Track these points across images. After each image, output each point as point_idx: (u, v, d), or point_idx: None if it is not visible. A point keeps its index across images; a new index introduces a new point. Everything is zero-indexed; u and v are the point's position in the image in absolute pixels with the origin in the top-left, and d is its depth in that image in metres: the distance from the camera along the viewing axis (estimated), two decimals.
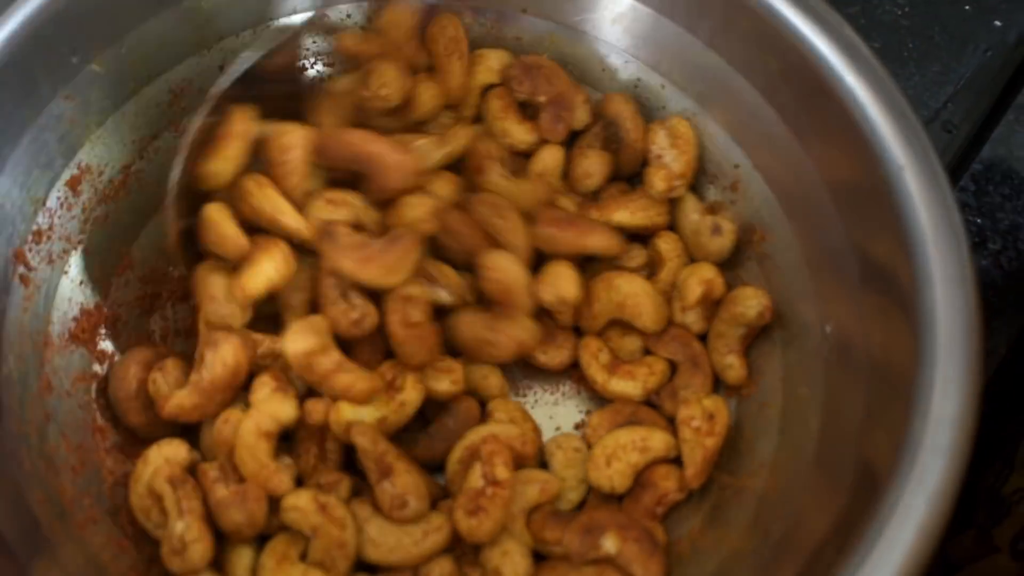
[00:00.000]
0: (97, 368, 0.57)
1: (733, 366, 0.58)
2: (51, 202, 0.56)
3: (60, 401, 0.55)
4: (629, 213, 0.61)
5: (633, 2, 0.61)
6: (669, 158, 0.61)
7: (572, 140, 0.64)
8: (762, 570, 0.50)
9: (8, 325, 0.53)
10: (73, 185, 0.57)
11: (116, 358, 0.58)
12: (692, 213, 0.61)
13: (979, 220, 0.68)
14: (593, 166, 0.62)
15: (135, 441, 0.56)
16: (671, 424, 0.58)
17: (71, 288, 0.58)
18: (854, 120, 0.52)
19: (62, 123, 0.56)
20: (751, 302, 0.57)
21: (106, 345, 0.58)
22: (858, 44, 0.53)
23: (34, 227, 0.56)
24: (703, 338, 0.60)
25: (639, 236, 0.62)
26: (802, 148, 0.56)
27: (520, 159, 0.64)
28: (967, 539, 0.65)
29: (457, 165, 0.61)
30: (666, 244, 0.61)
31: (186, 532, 0.50)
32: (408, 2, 0.62)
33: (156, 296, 0.61)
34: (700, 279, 0.58)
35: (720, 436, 0.56)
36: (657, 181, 0.60)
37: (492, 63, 0.64)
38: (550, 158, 0.63)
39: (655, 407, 0.59)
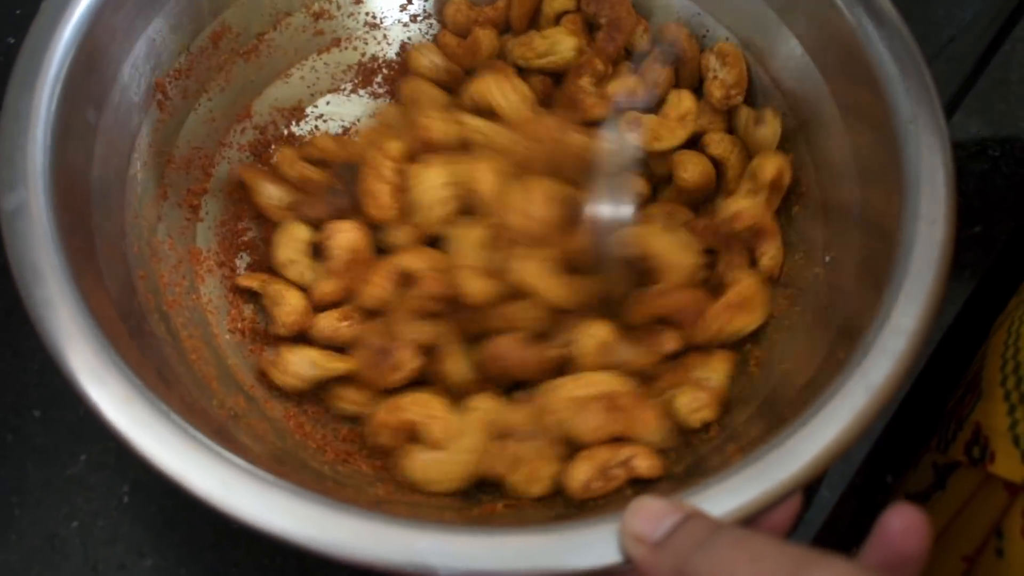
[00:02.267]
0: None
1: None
2: (194, 48, 0.67)
3: (171, 210, 0.65)
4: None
5: None
6: (722, 73, 0.69)
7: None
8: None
9: (141, 137, 0.64)
10: (215, 39, 0.68)
11: None
12: (743, 116, 0.70)
13: (981, 132, 0.79)
14: (660, 77, 0.70)
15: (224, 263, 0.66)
16: None
17: (196, 122, 0.68)
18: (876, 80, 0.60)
19: None
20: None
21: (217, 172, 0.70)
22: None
23: (176, 64, 0.66)
24: None
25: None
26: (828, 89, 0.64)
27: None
28: None
29: None
30: (715, 141, 0.68)
31: None
32: None
33: (267, 144, 0.71)
34: (774, 162, 0.65)
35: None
36: (714, 90, 0.69)
37: None
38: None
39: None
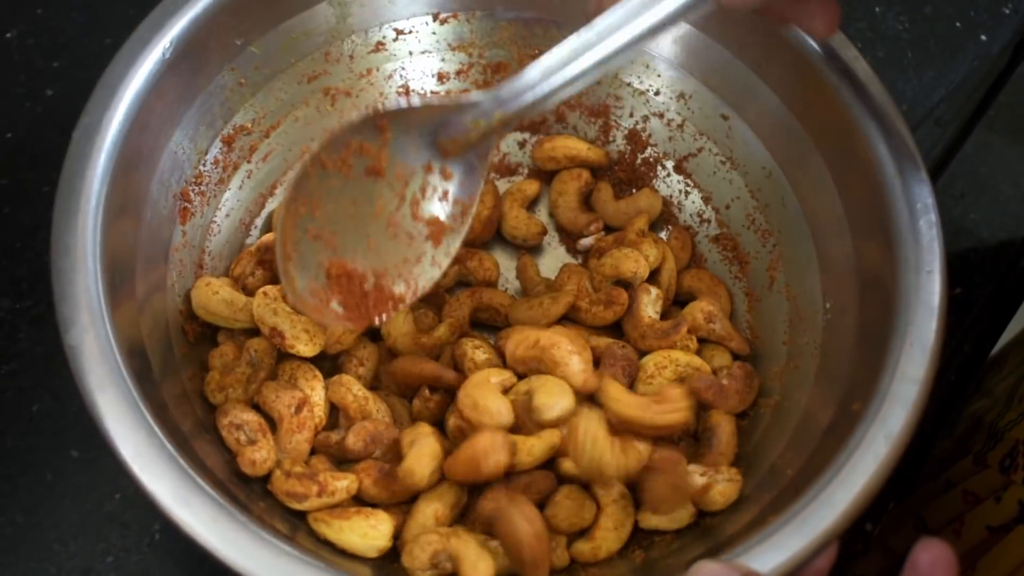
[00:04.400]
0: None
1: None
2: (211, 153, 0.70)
3: None
4: None
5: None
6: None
7: None
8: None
9: (172, 253, 0.67)
10: (228, 141, 0.71)
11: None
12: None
13: (964, 193, 0.83)
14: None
15: None
16: None
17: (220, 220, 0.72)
18: (863, 144, 0.64)
19: (224, 91, 0.70)
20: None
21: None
22: (870, 81, 0.65)
23: (196, 171, 0.69)
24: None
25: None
26: (823, 161, 0.67)
27: None
28: (966, 463, 0.77)
29: None
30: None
31: None
32: None
33: None
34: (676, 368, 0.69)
35: None
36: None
37: None
38: None
39: None
